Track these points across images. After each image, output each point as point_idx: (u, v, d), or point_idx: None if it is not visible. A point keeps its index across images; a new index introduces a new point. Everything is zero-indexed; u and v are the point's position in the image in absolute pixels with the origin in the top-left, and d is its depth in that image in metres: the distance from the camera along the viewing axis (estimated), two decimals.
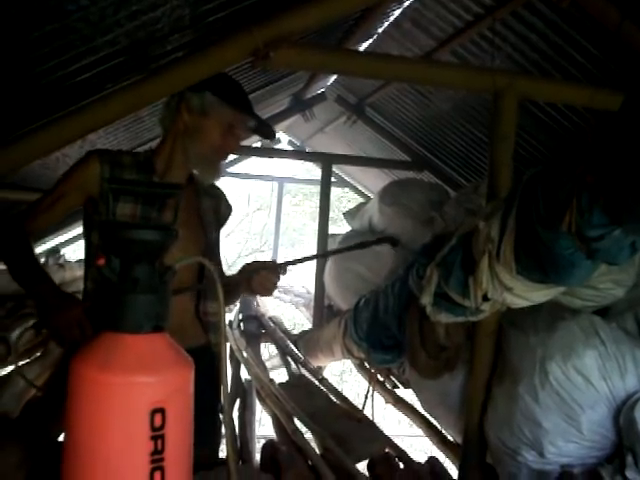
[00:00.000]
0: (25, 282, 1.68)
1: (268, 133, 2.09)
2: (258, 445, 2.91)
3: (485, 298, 2.05)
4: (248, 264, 1.94)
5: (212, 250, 2.01)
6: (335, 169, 7.43)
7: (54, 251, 6.38)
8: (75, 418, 1.06)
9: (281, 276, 1.90)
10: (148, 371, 1.06)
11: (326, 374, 5.06)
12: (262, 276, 1.86)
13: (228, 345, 4.83)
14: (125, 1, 1.64)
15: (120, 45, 1.94)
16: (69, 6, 1.48)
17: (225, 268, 2.12)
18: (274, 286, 1.89)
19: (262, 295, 1.97)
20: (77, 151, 3.32)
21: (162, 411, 1.04)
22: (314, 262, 5.58)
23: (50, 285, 1.63)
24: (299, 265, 2.00)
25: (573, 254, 1.65)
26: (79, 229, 7.40)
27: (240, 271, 1.94)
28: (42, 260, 6.70)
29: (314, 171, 10.48)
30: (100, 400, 1.04)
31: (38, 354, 3.74)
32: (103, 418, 1.03)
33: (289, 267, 1.90)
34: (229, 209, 2.18)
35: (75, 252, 8.15)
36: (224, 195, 2.17)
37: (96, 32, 1.75)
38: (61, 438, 1.94)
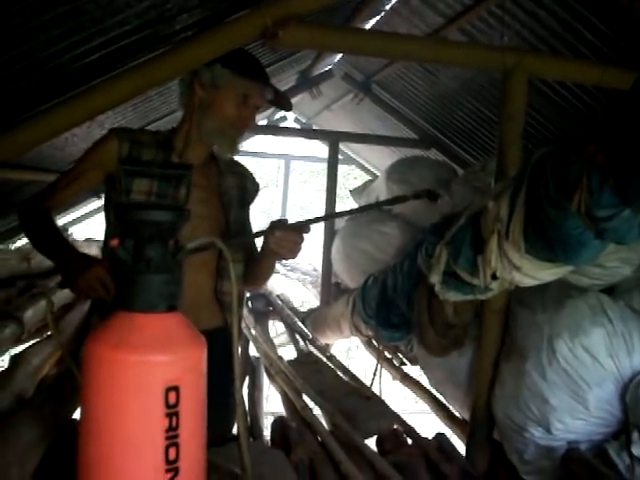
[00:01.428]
0: (48, 252, 1.71)
1: (284, 103, 2.04)
2: (267, 422, 2.94)
3: (494, 277, 2.06)
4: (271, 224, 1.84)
5: (236, 229, 1.99)
6: (342, 147, 7.40)
7: (63, 230, 6.41)
8: (91, 397, 1.08)
9: (305, 236, 1.77)
10: (162, 350, 1.08)
11: (333, 350, 5.10)
12: (279, 237, 1.74)
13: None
14: None
15: (130, 26, 1.94)
16: None
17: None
18: (296, 246, 1.76)
19: (285, 257, 1.82)
20: (85, 131, 3.33)
21: (176, 389, 1.06)
22: (323, 238, 5.59)
23: (72, 250, 1.65)
24: (323, 223, 1.96)
25: (582, 234, 1.65)
26: (87, 208, 7.44)
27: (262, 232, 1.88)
28: None
29: (321, 148, 10.44)
30: (115, 379, 1.06)
31: (49, 333, 3.78)
32: (119, 396, 1.05)
33: (312, 226, 1.77)
34: (256, 186, 2.15)
35: (83, 231, 8.19)
36: (250, 173, 2.14)
37: (106, 13, 1.75)
38: (76, 416, 1.97)
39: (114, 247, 1.14)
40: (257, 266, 2.00)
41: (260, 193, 2.18)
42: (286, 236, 1.75)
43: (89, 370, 1.09)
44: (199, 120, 1.87)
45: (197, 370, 1.13)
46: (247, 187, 2.09)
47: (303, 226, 1.76)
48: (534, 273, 1.99)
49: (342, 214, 1.93)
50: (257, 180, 2.16)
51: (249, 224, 2.14)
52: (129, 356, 1.06)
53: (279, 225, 1.77)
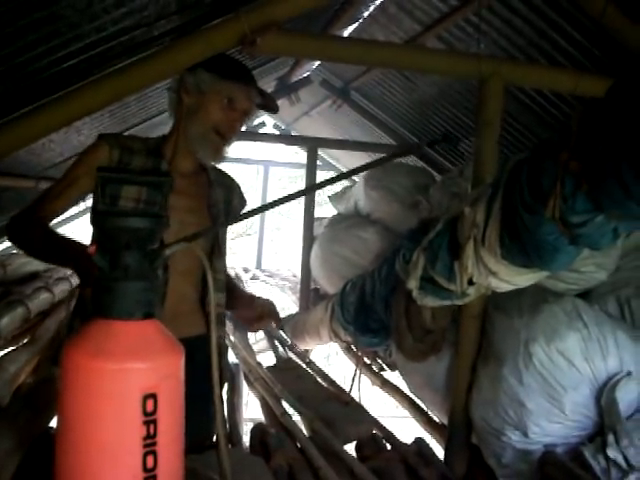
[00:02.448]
0: (54, 258, 1.70)
1: (272, 105, 2.02)
2: (246, 428, 2.93)
3: (470, 282, 2.08)
4: (260, 300, 2.06)
5: (220, 241, 2.00)
6: (321, 152, 7.42)
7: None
8: (68, 405, 1.08)
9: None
10: (140, 357, 1.07)
11: (313, 357, 5.10)
12: (259, 319, 1.98)
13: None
14: None
15: (107, 32, 1.94)
16: None
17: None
18: (262, 327, 2.04)
19: (249, 327, 2.09)
20: (62, 137, 3.31)
21: (154, 396, 1.05)
22: (302, 244, 5.60)
23: (79, 250, 1.60)
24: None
25: (556, 239, 1.67)
26: (67, 213, 7.37)
27: (250, 298, 2.07)
28: None
29: (300, 154, 10.45)
30: (93, 386, 1.05)
31: (26, 340, 3.75)
32: (96, 404, 1.05)
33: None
34: (242, 201, 2.13)
35: (66, 234, 8.10)
36: (238, 187, 2.13)
37: (83, 19, 1.75)
38: (53, 424, 1.95)
39: (91, 254, 1.14)
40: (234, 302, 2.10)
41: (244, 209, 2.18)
42: (264, 322, 2.01)
43: (66, 378, 1.08)
44: (185, 127, 1.86)
45: (175, 377, 1.12)
46: (233, 202, 2.09)
47: (280, 321, 2.04)
48: (510, 278, 2.01)
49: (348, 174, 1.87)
50: (244, 196, 2.15)
51: (225, 238, 2.14)
52: (106, 364, 1.05)
53: (273, 312, 2.02)
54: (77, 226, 7.53)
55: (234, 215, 2.10)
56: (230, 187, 2.08)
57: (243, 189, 2.19)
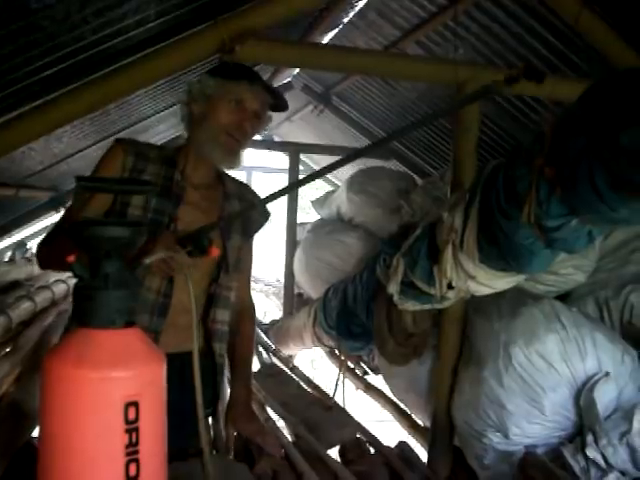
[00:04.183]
0: None
1: (281, 103, 1.92)
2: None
3: (450, 286, 2.11)
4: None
5: (233, 257, 1.92)
6: (303, 157, 7.43)
7: (21, 245, 6.31)
8: (50, 414, 1.08)
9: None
10: (121, 366, 1.08)
11: (298, 361, 5.11)
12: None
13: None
14: None
15: (86, 41, 1.94)
16: (34, 4, 1.48)
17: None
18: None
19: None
20: (43, 145, 3.30)
21: (136, 404, 1.06)
22: (285, 249, 5.62)
23: None
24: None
25: (533, 243, 1.70)
26: (46, 222, 7.32)
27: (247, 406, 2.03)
28: (8, 254, 6.62)
29: (282, 160, 10.44)
30: (74, 395, 1.05)
31: (7, 350, 3.72)
32: (78, 413, 1.05)
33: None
34: (265, 217, 2.04)
35: None
36: (260, 201, 1.97)
37: (62, 29, 1.75)
38: (35, 434, 1.95)
39: (70, 263, 1.14)
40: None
41: (266, 225, 2.06)
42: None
43: (48, 387, 1.08)
44: (196, 135, 1.82)
45: (156, 385, 1.13)
46: (252, 216, 1.99)
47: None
48: (489, 282, 2.04)
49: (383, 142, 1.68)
50: (268, 211, 2.04)
51: (250, 256, 2.05)
52: (88, 372, 1.06)
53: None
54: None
55: (252, 231, 2.01)
56: (251, 202, 1.98)
57: None
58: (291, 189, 1.25)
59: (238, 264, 1.95)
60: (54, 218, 6.95)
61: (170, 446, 1.14)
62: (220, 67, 1.89)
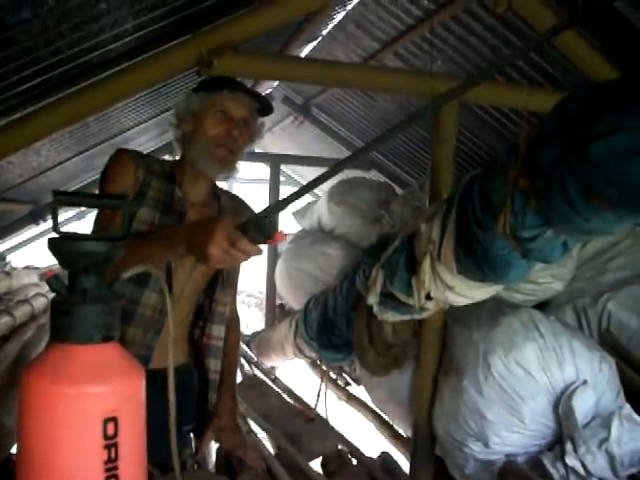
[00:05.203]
0: (144, 254, 1.45)
1: (266, 107, 1.92)
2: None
3: (428, 297, 2.12)
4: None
5: (226, 273, 1.92)
6: (284, 168, 7.45)
7: (0, 258, 6.24)
8: (28, 430, 1.07)
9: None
10: (99, 381, 1.07)
11: (280, 372, 5.10)
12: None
13: None
14: (67, 13, 1.64)
15: (63, 55, 1.93)
16: (10, 19, 1.48)
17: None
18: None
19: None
20: (21, 158, 3.29)
21: (114, 420, 1.05)
22: (267, 260, 5.62)
23: (169, 229, 1.45)
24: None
25: (509, 254, 1.72)
26: (25, 235, 7.27)
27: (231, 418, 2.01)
28: None
29: (263, 170, 10.44)
30: (52, 411, 1.05)
31: None
32: (56, 429, 1.04)
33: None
34: None
35: (22, 259, 7.99)
36: (252, 213, 1.95)
37: (38, 43, 1.74)
38: (14, 450, 1.93)
39: (48, 278, 1.14)
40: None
41: None
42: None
43: (25, 403, 1.08)
44: (189, 152, 1.82)
45: (135, 399, 1.13)
46: None
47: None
48: (466, 292, 2.05)
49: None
50: None
51: (237, 269, 2.04)
52: (65, 388, 1.05)
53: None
54: (35, 249, 7.44)
55: None
56: (242, 214, 1.95)
57: None
58: (287, 203, 1.21)
59: (229, 278, 1.96)
60: (33, 231, 6.91)
61: (152, 461, 1.14)
62: (202, 83, 1.90)
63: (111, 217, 1.65)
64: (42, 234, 7.33)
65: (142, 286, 1.73)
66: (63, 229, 1.16)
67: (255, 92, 1.92)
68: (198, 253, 1.29)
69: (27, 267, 6.50)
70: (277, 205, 1.36)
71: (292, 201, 1.36)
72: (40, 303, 5.26)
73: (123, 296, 1.71)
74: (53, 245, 1.16)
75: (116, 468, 1.05)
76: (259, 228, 1.26)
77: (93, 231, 1.71)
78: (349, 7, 3.85)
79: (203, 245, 1.24)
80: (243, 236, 1.24)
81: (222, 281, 1.92)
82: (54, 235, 1.20)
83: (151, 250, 1.48)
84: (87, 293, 1.13)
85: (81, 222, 7.92)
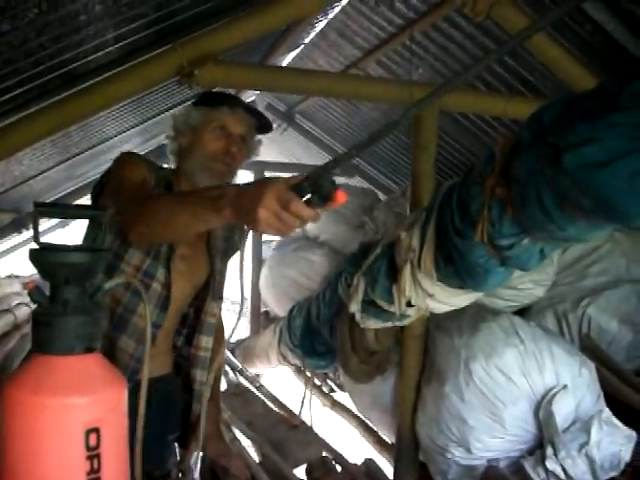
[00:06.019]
0: (194, 222, 1.37)
1: (265, 124, 1.94)
2: (197, 456, 2.91)
3: (409, 304, 2.14)
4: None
5: (219, 280, 1.94)
6: (268, 175, 7.44)
7: None
8: (10, 441, 1.08)
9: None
10: (81, 392, 1.08)
11: (266, 379, 5.09)
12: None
13: None
14: (47, 25, 1.65)
15: (44, 66, 1.94)
16: None
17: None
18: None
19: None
20: (3, 168, 3.27)
21: (97, 431, 1.06)
22: (251, 267, 5.61)
23: (213, 196, 1.27)
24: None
25: (487, 262, 1.74)
26: (7, 244, 7.21)
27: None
28: None
29: (247, 178, 10.46)
30: (34, 423, 1.05)
31: None
32: (38, 440, 1.05)
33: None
34: (242, 235, 1.94)
35: (4, 268, 7.92)
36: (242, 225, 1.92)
37: (19, 55, 1.75)
38: None
39: (30, 290, 1.15)
40: None
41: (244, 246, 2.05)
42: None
43: (7, 414, 1.08)
44: (186, 165, 1.83)
45: (117, 410, 1.13)
46: (233, 237, 2.02)
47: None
48: (447, 300, 2.07)
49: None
50: (245, 232, 2.03)
51: (224, 277, 2.04)
52: (47, 399, 1.06)
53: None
54: (17, 258, 7.38)
55: (231, 252, 2.01)
56: (233, 225, 1.94)
57: None
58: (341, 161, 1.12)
59: (219, 289, 1.97)
60: (16, 240, 6.85)
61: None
62: (202, 97, 1.92)
63: (132, 188, 1.60)
64: (25, 243, 7.26)
65: (140, 296, 1.70)
66: (46, 238, 1.17)
67: (254, 109, 1.94)
68: (246, 217, 1.14)
69: (9, 276, 6.44)
70: (334, 163, 1.19)
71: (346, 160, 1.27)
72: (23, 312, 5.22)
73: (120, 302, 1.71)
74: (34, 256, 1.16)
75: (99, 479, 1.06)
76: (317, 188, 1.10)
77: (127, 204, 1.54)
78: (331, 15, 3.88)
79: (252, 208, 1.09)
80: (298, 197, 1.08)
81: (213, 292, 1.92)
82: (35, 246, 1.21)
83: (193, 211, 1.34)
84: (68, 304, 1.14)
85: (65, 230, 7.86)
